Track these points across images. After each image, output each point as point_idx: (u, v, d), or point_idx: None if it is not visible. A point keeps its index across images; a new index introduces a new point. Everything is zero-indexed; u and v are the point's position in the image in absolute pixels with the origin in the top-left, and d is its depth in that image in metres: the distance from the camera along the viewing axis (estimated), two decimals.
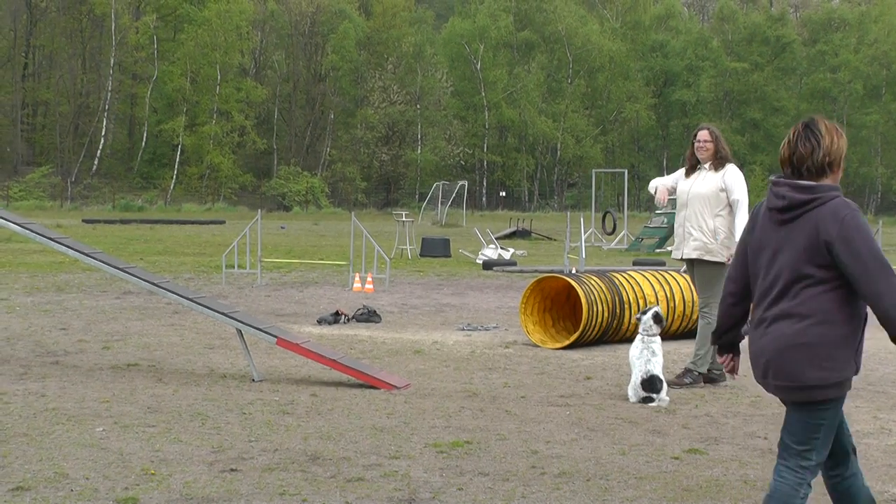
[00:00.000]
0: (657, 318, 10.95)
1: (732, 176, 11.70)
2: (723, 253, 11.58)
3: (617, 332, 14.54)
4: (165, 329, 15.25)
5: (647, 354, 10.65)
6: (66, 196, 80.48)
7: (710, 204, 11.65)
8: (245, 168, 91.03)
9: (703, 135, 11.96)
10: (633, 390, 10.63)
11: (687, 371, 11.75)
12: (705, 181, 11.77)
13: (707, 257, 11.65)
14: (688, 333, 15.37)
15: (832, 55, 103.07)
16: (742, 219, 11.46)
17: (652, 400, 10.49)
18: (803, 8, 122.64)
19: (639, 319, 11.05)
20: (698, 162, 11.94)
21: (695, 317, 15.24)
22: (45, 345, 13.47)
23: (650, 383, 10.53)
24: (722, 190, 11.63)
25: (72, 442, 8.31)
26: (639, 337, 10.85)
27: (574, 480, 7.61)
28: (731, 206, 11.65)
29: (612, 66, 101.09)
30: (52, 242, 11.90)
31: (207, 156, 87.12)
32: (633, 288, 14.76)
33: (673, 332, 15.11)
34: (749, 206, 11.22)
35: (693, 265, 11.84)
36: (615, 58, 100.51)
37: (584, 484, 7.53)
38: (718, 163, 11.79)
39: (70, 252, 11.88)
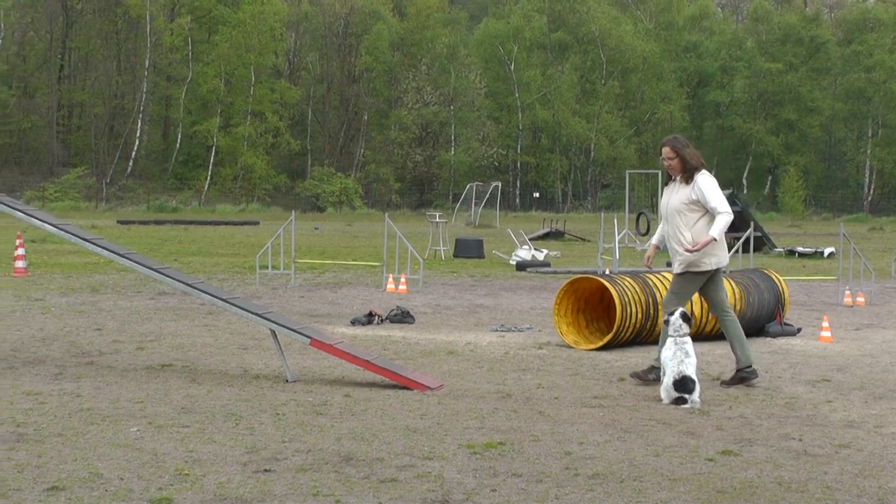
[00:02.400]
0: (685, 318, 10.93)
1: (702, 185, 11.57)
2: (708, 261, 11.60)
3: (651, 334, 14.50)
4: (199, 330, 15.29)
5: (681, 355, 10.61)
6: (100, 197, 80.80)
7: (685, 217, 11.60)
8: (279, 169, 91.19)
9: (665, 151, 11.81)
10: (666, 392, 10.58)
11: (749, 372, 11.69)
12: (678, 194, 11.71)
13: (692, 269, 11.64)
14: (722, 335, 15.30)
15: (867, 55, 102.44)
16: (722, 222, 11.45)
17: (685, 401, 10.44)
18: (838, 8, 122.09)
19: (666, 322, 11.01)
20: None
21: None
22: (79, 345, 13.52)
23: (682, 384, 10.49)
24: (694, 202, 11.57)
25: (106, 442, 8.34)
26: (671, 339, 10.81)
27: (608, 482, 7.58)
28: (710, 215, 11.57)
29: (646, 67, 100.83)
30: (87, 243, 11.94)
31: (241, 157, 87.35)
32: (666, 289, 14.71)
33: (707, 332, 15.06)
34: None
35: (687, 277, 11.76)
36: (649, 58, 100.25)
37: (618, 485, 7.50)
38: (688, 175, 11.68)
39: (105, 253, 11.92)
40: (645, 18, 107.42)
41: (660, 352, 11.31)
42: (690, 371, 10.54)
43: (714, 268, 11.67)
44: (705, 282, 11.77)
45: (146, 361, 12.35)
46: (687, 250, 11.48)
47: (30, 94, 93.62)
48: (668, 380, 10.61)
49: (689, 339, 10.85)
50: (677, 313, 10.96)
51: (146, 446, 8.23)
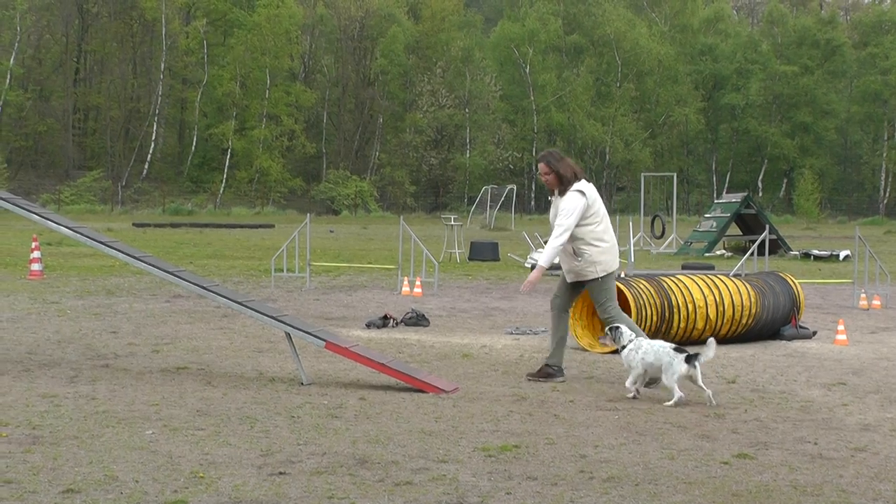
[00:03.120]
0: (612, 330, 11.37)
1: (564, 201, 11.77)
2: (593, 269, 11.77)
3: (666, 337, 14.48)
4: (214, 332, 15.31)
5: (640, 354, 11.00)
6: (116, 200, 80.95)
7: None
8: (294, 172, 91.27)
9: (540, 167, 12.05)
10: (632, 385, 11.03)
11: (556, 370, 11.95)
12: (555, 208, 11.94)
13: (580, 279, 11.82)
14: (738, 338, 15.30)
15: (882, 58, 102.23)
16: (549, 249, 11.76)
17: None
18: (853, 11, 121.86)
19: (611, 336, 11.45)
20: None
21: (744, 321, 15.17)
22: (95, 348, 13.54)
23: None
24: None
25: (121, 444, 8.35)
26: (632, 344, 11.14)
27: (623, 485, 7.58)
28: (590, 223, 11.77)
29: (661, 70, 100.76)
30: (103, 246, 11.96)
31: (257, 160, 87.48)
32: (681, 292, 14.70)
33: (722, 335, 15.03)
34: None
35: (578, 286, 11.95)
36: (664, 61, 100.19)
37: (633, 489, 7.49)
38: (563, 188, 11.88)
39: (120, 256, 11.94)
40: (660, 21, 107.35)
41: (552, 353, 11.87)
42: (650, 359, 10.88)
43: (602, 275, 11.80)
44: (588, 284, 11.93)
45: (161, 364, 12.37)
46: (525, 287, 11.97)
47: (45, 97, 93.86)
48: (634, 373, 10.95)
49: (637, 340, 11.15)
50: (610, 331, 11.43)
51: (161, 449, 8.25)
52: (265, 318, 11.55)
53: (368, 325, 16.46)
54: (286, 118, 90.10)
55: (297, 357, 11.43)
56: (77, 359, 12.64)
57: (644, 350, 11.01)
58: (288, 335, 11.48)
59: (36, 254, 24.28)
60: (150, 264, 11.84)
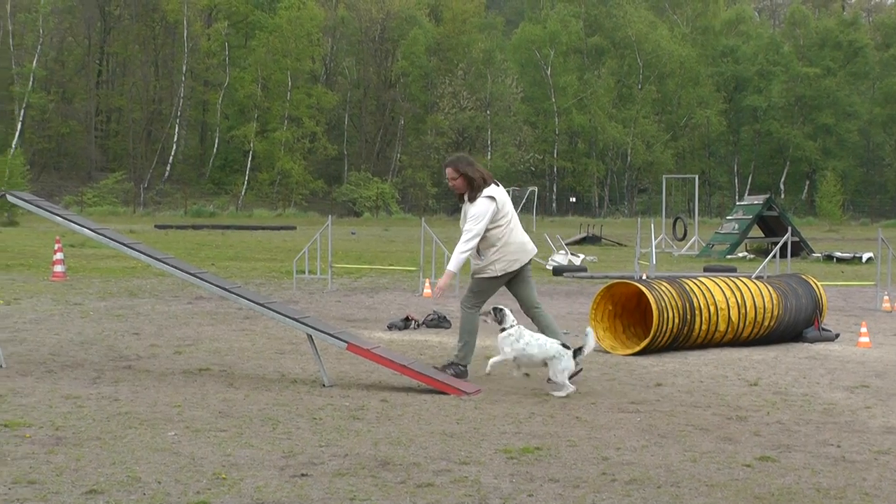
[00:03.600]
0: (497, 311, 11.59)
1: (475, 207, 11.89)
2: (492, 268, 12.02)
3: (688, 339, 14.46)
4: (237, 334, 15.33)
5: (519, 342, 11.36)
6: (138, 202, 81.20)
7: None
8: (316, 174, 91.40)
9: (448, 172, 12.11)
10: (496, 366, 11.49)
11: (451, 364, 12.02)
12: (465, 213, 12.07)
13: (479, 275, 12.13)
14: (760, 340, 15.26)
15: None
16: (456, 255, 11.88)
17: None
18: (876, 12, 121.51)
19: (484, 320, 11.88)
20: None
21: (766, 323, 15.14)
22: (117, 349, 13.58)
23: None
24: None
25: (144, 446, 8.37)
26: (506, 332, 11.44)
27: (645, 487, 7.56)
28: (499, 226, 11.92)
29: (683, 72, 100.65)
30: (125, 248, 11.98)
31: (278, 162, 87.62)
32: (703, 294, 14.67)
33: (745, 337, 15.01)
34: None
35: (481, 281, 12.14)
36: (685, 63, 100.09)
37: (655, 491, 7.48)
38: (473, 193, 11.97)
39: (142, 257, 11.96)
40: (681, 23, 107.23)
41: (459, 345, 12.04)
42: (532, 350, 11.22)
43: (500, 273, 12.01)
44: (512, 282, 12.21)
45: (184, 366, 12.39)
46: (438, 289, 12.31)
47: (68, 99, 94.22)
48: (502, 358, 11.41)
49: (519, 327, 11.45)
50: (493, 311, 11.57)
51: (184, 450, 8.26)
52: (287, 319, 11.56)
53: (390, 327, 16.47)
54: (308, 120, 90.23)
55: (319, 359, 11.44)
56: (100, 360, 12.68)
57: (526, 341, 11.33)
58: (310, 337, 11.49)
59: (59, 255, 24.35)
60: (172, 266, 11.87)
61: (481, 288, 12.16)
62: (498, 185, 12.17)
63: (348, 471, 7.78)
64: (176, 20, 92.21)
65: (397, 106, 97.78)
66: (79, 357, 12.87)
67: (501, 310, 11.57)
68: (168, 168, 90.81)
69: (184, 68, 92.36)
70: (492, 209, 11.84)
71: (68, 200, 75.81)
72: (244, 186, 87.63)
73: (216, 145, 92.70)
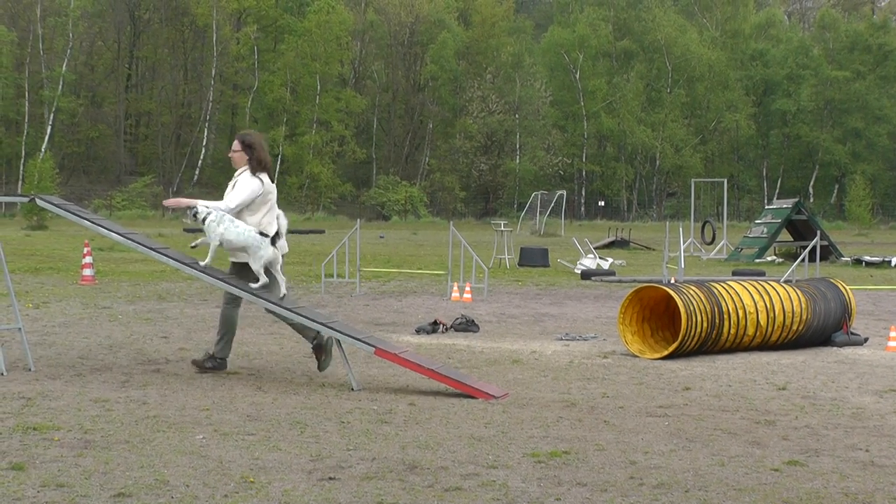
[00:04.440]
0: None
1: (244, 179, 12.22)
2: (237, 256, 12.21)
3: (716, 343, 14.41)
4: (265, 338, 15.37)
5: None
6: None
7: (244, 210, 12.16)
8: (344, 177, 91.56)
9: (234, 144, 12.45)
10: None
11: (210, 357, 12.27)
12: (234, 182, 12.41)
13: (234, 259, 12.31)
14: (789, 345, 15.21)
15: None
16: (222, 205, 12.11)
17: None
18: None
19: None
20: None
21: (795, 327, 15.09)
22: (146, 353, 13.62)
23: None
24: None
25: (172, 449, 8.39)
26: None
27: (673, 492, 7.55)
28: (256, 213, 12.14)
29: (712, 76, 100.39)
30: (153, 252, 12.02)
31: (307, 165, 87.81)
32: (732, 298, 14.62)
33: (773, 342, 14.96)
34: None
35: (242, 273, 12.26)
36: (714, 67, 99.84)
37: (683, 495, 7.46)
38: (249, 172, 12.24)
39: (170, 262, 12.00)
40: (711, 26, 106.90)
41: (217, 339, 12.29)
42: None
43: (242, 260, 12.16)
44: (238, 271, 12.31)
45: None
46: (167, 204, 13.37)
47: (98, 103, 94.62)
48: (209, 241, 11.86)
49: (220, 213, 11.91)
50: (187, 211, 12.07)
51: (212, 454, 8.28)
52: (315, 323, 11.58)
53: (418, 331, 16.47)
54: (336, 124, 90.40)
55: (347, 362, 11.45)
56: (128, 363, 12.72)
57: (225, 226, 11.78)
58: (338, 341, 11.51)
59: (88, 259, 24.46)
60: (199, 271, 11.89)
61: (243, 276, 12.27)
62: (273, 183, 12.42)
63: (376, 474, 7.79)
64: (205, 24, 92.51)
65: (426, 110, 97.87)
66: (107, 360, 12.92)
67: (194, 208, 11.95)
68: (197, 172, 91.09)
69: (213, 72, 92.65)
70: (258, 188, 12.06)
71: (97, 204, 76.15)
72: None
73: None
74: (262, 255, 11.69)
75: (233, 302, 12.35)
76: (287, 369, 12.56)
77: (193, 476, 7.63)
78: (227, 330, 12.30)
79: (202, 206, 12.00)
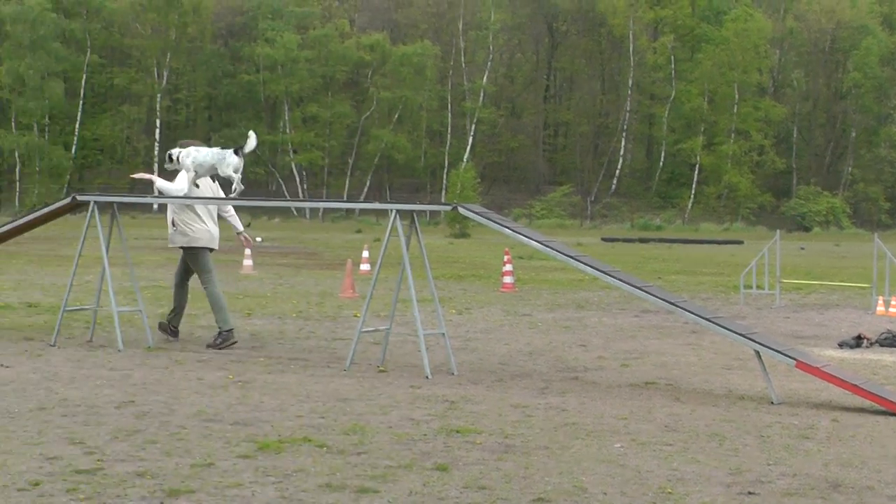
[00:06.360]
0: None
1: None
2: (176, 240, 14.28)
3: None
4: (683, 348, 15.26)
5: None
6: (585, 215, 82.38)
7: None
8: (763, 188, 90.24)
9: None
10: None
11: (219, 334, 14.02)
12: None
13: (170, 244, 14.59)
14: None
15: None
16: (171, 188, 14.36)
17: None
18: None
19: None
20: None
21: None
22: (565, 360, 13.76)
23: None
24: None
25: (590, 457, 8.42)
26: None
27: None
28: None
29: None
30: (572, 260, 12.12)
31: (725, 175, 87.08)
32: None
33: None
34: None
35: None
36: None
37: None
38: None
39: (589, 270, 12.07)
40: None
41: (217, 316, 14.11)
42: None
43: (177, 245, 14.34)
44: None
45: (630, 379, 12.42)
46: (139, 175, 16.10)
47: (517, 114, 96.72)
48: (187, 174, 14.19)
49: (188, 149, 14.17)
50: (168, 157, 14.33)
51: (629, 463, 8.26)
52: (734, 335, 11.41)
53: (841, 345, 16.01)
54: (755, 133, 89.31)
55: (767, 375, 11.23)
56: (547, 371, 12.88)
57: (193, 157, 13.86)
58: (757, 353, 11.30)
59: (508, 267, 24.95)
60: (618, 279, 11.92)
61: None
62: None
63: (797, 491, 7.58)
64: (622, 35, 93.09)
65: (848, 118, 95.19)
66: (527, 367, 13.12)
67: (169, 153, 14.20)
68: (614, 181, 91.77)
69: (629, 82, 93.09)
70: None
71: (517, 213, 77.83)
72: (690, 200, 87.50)
73: (662, 159, 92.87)
74: (230, 162, 13.62)
75: (211, 282, 14.20)
76: (705, 380, 12.42)
77: (611, 484, 7.63)
78: (214, 305, 14.13)
79: (174, 150, 14.19)
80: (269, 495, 7.09)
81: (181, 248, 14.34)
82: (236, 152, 13.63)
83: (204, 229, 14.19)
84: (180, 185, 14.13)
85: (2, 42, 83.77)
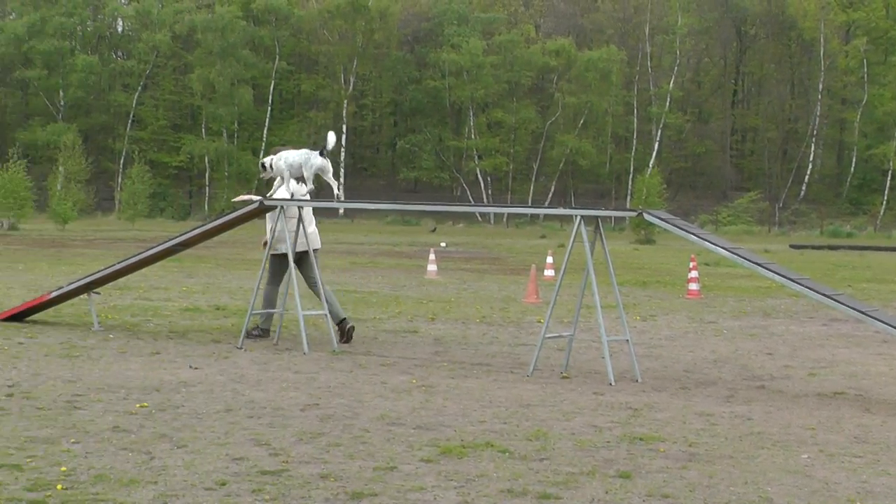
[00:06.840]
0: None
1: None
2: (278, 247, 14.74)
3: None
4: (873, 358, 14.93)
5: None
6: (773, 221, 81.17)
7: None
8: None
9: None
10: None
11: (255, 327, 14.87)
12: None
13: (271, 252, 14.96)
14: None
15: None
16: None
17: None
18: None
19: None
20: None
21: None
22: (751, 369, 13.58)
23: None
24: None
25: (776, 467, 8.29)
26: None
27: None
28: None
29: None
30: (759, 267, 11.97)
31: None
32: None
33: None
34: None
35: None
36: None
37: None
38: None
39: (776, 277, 11.90)
40: None
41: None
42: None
43: (284, 251, 14.58)
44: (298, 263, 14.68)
45: (817, 388, 12.21)
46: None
47: (704, 119, 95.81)
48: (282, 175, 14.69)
49: (279, 156, 14.73)
50: (261, 166, 15.19)
51: (817, 474, 8.11)
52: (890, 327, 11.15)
53: None
54: None
55: None
56: (733, 379, 12.72)
57: (284, 158, 14.48)
58: None
59: (693, 273, 24.71)
60: (806, 287, 11.72)
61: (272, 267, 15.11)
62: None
63: None
64: (812, 38, 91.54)
65: None
66: (712, 375, 12.98)
67: (262, 163, 14.96)
68: (804, 187, 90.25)
69: (820, 86, 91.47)
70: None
71: (703, 219, 77.03)
72: (883, 206, 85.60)
73: (853, 164, 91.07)
74: (313, 163, 14.13)
75: (273, 282, 14.97)
76: None
77: (797, 496, 7.50)
78: (268, 305, 14.94)
79: (266, 160, 14.89)
80: (451, 499, 7.13)
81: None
82: (321, 153, 14.19)
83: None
84: (282, 194, 14.67)
85: (193, 50, 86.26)
